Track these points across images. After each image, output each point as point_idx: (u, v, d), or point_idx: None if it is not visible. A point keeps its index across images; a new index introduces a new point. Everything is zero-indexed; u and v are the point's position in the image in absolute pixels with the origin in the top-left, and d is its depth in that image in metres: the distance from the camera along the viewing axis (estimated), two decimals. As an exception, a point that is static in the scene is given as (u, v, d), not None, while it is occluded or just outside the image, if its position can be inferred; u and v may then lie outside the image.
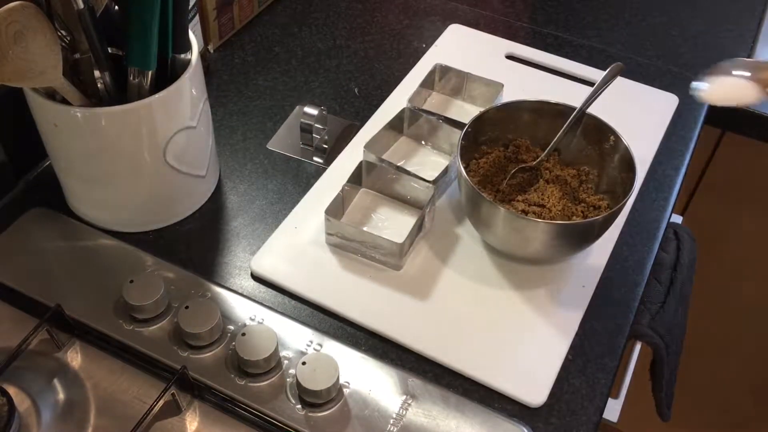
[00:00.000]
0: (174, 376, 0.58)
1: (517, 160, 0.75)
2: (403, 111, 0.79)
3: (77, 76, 0.65)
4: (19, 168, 0.75)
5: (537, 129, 0.74)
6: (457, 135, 0.73)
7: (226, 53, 0.93)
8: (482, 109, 0.72)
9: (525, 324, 0.65)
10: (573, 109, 0.72)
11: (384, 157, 0.76)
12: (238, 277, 0.69)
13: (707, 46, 0.98)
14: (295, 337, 0.62)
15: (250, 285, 0.68)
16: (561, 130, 0.72)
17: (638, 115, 0.85)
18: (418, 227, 0.69)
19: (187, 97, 0.66)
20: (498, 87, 0.83)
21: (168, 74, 0.65)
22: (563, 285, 0.68)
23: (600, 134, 0.72)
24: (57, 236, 0.70)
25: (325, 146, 0.82)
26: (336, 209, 0.70)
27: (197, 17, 0.87)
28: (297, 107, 0.86)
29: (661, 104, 0.88)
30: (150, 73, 0.63)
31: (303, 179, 0.78)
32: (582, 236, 0.66)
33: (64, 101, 0.62)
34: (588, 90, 0.73)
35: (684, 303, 0.85)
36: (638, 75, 0.91)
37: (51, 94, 0.62)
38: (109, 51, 0.64)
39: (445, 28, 0.97)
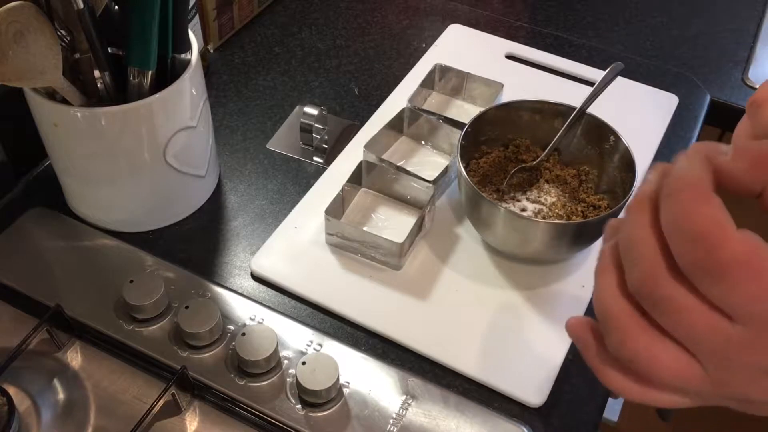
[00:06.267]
0: (174, 376, 0.58)
1: (517, 160, 0.75)
2: (403, 111, 0.79)
3: (77, 76, 0.65)
4: (19, 168, 0.75)
5: (537, 129, 0.74)
6: (457, 135, 0.73)
7: (226, 53, 0.93)
8: (482, 109, 0.72)
9: (525, 324, 0.65)
10: (573, 109, 0.72)
11: (384, 157, 0.76)
12: (238, 277, 0.69)
13: (707, 46, 0.98)
14: (295, 337, 0.62)
15: (250, 285, 0.68)
16: (561, 130, 0.73)
17: (638, 115, 0.85)
18: (418, 227, 0.69)
19: (187, 97, 0.66)
20: (498, 87, 0.83)
21: (168, 74, 0.65)
22: (563, 285, 0.68)
23: (600, 134, 0.72)
24: (57, 236, 0.70)
25: (325, 146, 0.82)
26: (336, 209, 0.70)
27: (197, 17, 0.87)
28: (297, 107, 0.86)
29: (661, 104, 0.88)
30: (150, 73, 0.63)
31: (303, 179, 0.78)
32: (582, 236, 0.66)
33: (64, 101, 0.62)
34: (588, 90, 0.73)
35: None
36: (638, 75, 0.91)
37: (51, 94, 0.62)
38: (109, 51, 0.64)
39: (445, 28, 0.97)
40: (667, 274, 0.29)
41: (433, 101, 0.86)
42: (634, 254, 0.30)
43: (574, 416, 0.60)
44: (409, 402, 0.59)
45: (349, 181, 0.72)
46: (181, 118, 0.66)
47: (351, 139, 0.81)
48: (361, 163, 0.73)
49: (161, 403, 0.57)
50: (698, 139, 0.86)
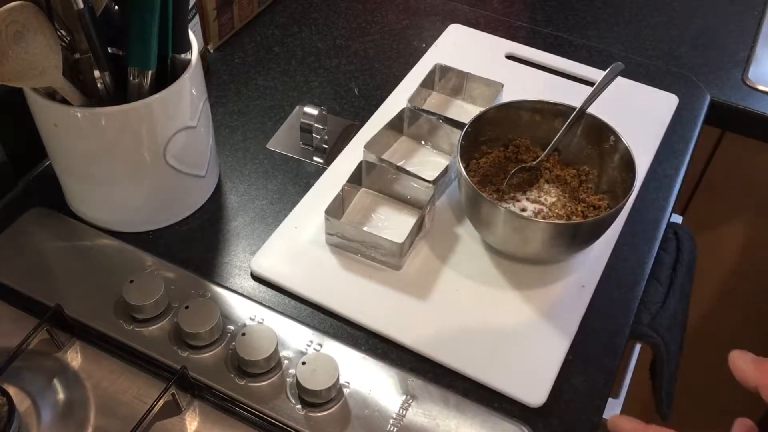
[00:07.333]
0: (174, 376, 0.58)
1: (517, 160, 0.75)
2: (403, 111, 0.79)
3: (77, 76, 0.65)
4: (19, 168, 0.75)
5: (537, 129, 0.74)
6: (457, 135, 0.73)
7: (226, 53, 0.93)
8: (482, 109, 0.72)
9: (525, 324, 0.65)
10: (573, 109, 0.72)
11: (384, 157, 0.76)
12: (238, 277, 0.69)
13: (707, 46, 0.98)
14: (295, 337, 0.62)
15: (250, 285, 0.68)
16: (561, 130, 0.72)
17: (638, 115, 0.85)
18: (418, 227, 0.69)
19: (187, 97, 0.66)
20: (498, 87, 0.83)
21: (168, 74, 0.65)
22: (563, 285, 0.68)
23: (600, 134, 0.72)
24: (57, 236, 0.70)
25: (325, 146, 0.82)
26: (336, 209, 0.70)
27: (197, 17, 0.87)
28: (297, 107, 0.86)
29: (661, 104, 0.88)
30: (150, 73, 0.63)
31: (303, 179, 0.78)
32: (582, 236, 0.66)
33: (64, 101, 0.62)
34: (588, 90, 0.73)
35: (684, 302, 0.85)
36: (638, 75, 0.91)
37: (51, 94, 0.62)
38: (109, 51, 0.64)
39: (445, 28, 0.97)
40: None
41: (433, 101, 0.86)
42: None
43: (574, 416, 0.60)
44: (409, 402, 0.59)
45: (349, 181, 0.72)
46: (181, 118, 0.66)
47: (351, 139, 0.81)
48: (361, 163, 0.73)
49: (161, 403, 0.57)
50: (698, 140, 0.86)
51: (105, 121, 0.62)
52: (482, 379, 0.61)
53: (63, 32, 0.63)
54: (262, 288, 0.68)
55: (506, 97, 0.80)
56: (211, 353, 0.61)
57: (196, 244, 0.71)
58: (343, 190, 0.70)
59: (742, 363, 0.47)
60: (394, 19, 1.00)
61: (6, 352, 0.59)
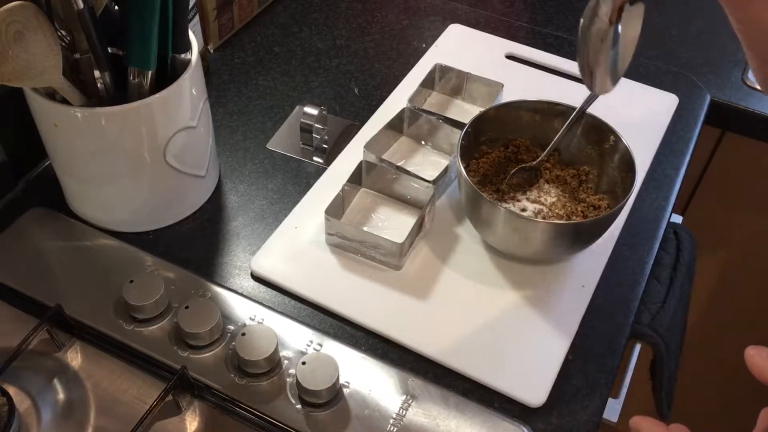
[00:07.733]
0: (174, 376, 0.58)
1: (517, 160, 0.75)
2: (403, 111, 0.79)
3: (77, 76, 0.65)
4: (19, 168, 0.75)
5: (537, 129, 0.74)
6: (457, 135, 0.73)
7: (226, 53, 0.93)
8: (482, 109, 0.72)
9: (525, 324, 0.65)
10: (573, 109, 0.72)
11: (384, 157, 0.76)
12: (238, 277, 0.69)
13: (707, 46, 0.98)
14: (295, 337, 0.62)
15: (250, 285, 0.68)
16: (561, 130, 0.72)
17: (638, 115, 0.85)
18: (418, 227, 0.69)
19: (187, 97, 0.66)
20: (498, 87, 0.83)
21: (168, 74, 0.65)
22: (563, 285, 0.68)
23: (600, 134, 0.72)
24: (57, 236, 0.70)
25: (325, 146, 0.82)
26: (336, 209, 0.70)
27: (197, 17, 0.87)
28: (297, 107, 0.86)
29: (661, 104, 0.88)
30: (150, 73, 0.63)
31: (303, 179, 0.78)
32: (582, 236, 0.66)
33: (64, 101, 0.62)
34: (588, 90, 0.73)
35: (684, 302, 0.85)
36: (638, 75, 0.91)
37: (51, 94, 0.62)
38: (109, 51, 0.64)
39: (445, 28, 0.97)
40: None
41: (433, 101, 0.86)
42: None
43: (574, 416, 0.60)
44: (409, 402, 0.59)
45: (349, 181, 0.72)
46: (181, 118, 0.66)
47: (351, 139, 0.81)
48: (361, 163, 0.73)
49: (161, 403, 0.57)
50: (698, 140, 0.86)
51: (105, 121, 0.62)
52: (482, 379, 0.61)
53: (63, 32, 0.63)
54: (262, 288, 0.68)
55: (506, 97, 0.80)
56: (211, 353, 0.61)
57: (196, 244, 0.71)
58: (343, 190, 0.70)
59: (759, 359, 0.47)
60: (394, 19, 1.00)
61: (6, 352, 0.59)
